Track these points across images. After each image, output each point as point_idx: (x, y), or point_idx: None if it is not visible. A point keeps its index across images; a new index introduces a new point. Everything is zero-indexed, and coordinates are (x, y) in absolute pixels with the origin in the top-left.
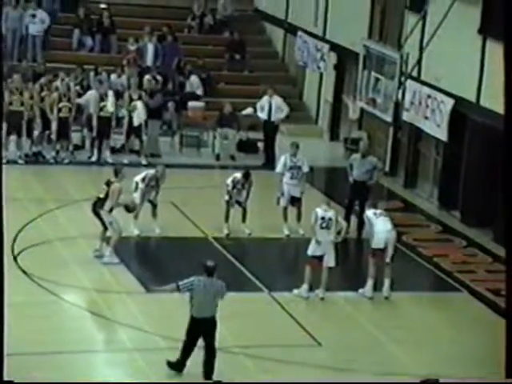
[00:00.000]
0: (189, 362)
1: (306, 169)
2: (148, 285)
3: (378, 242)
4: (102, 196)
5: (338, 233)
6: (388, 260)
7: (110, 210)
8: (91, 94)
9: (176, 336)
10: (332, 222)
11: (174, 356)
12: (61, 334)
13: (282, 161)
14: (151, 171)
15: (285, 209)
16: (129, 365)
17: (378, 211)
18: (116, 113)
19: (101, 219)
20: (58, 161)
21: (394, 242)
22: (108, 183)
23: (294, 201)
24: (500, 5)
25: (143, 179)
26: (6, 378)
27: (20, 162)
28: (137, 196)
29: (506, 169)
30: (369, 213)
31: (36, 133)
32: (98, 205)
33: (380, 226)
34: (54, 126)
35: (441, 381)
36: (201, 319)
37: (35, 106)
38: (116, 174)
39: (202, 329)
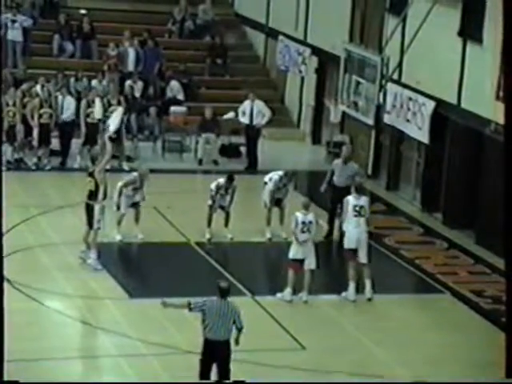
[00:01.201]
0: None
1: (290, 188)
2: (132, 292)
3: (349, 242)
4: (92, 188)
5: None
6: (364, 261)
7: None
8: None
9: (160, 342)
10: (312, 225)
11: (158, 362)
12: (44, 341)
13: (275, 180)
14: (134, 173)
15: (269, 211)
16: (113, 371)
17: (363, 199)
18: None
19: (89, 216)
20: (39, 167)
21: (365, 242)
22: (91, 173)
23: (278, 202)
24: (479, 7)
25: (126, 184)
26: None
27: (1, 168)
28: (121, 201)
29: (508, 177)
30: (350, 198)
31: (18, 139)
32: (92, 198)
33: (352, 225)
34: (35, 132)
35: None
36: (215, 342)
37: (17, 113)
38: (93, 161)
39: (216, 352)
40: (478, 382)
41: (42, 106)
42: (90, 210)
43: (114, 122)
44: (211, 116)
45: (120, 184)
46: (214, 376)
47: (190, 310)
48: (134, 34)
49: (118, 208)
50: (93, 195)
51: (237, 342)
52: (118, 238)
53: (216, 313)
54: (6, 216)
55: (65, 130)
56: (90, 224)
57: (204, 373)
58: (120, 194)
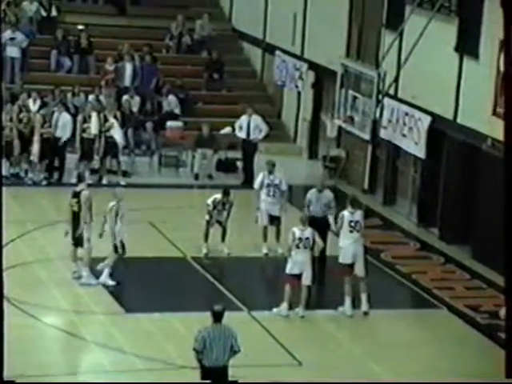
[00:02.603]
0: None
1: (284, 187)
2: (128, 307)
3: (345, 257)
4: (75, 209)
5: (312, 248)
6: (361, 274)
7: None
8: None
9: (155, 357)
10: (309, 241)
11: (153, 377)
12: (39, 357)
13: (259, 178)
14: (111, 203)
15: (264, 228)
16: None
17: (358, 214)
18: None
19: (74, 235)
20: (35, 182)
21: (361, 256)
22: (75, 194)
23: (273, 220)
24: (475, 23)
25: (117, 213)
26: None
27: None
28: (119, 231)
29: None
30: (345, 213)
31: (15, 154)
32: (75, 220)
33: (348, 241)
34: (35, 148)
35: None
36: (212, 368)
37: (14, 128)
38: (80, 180)
39: (213, 378)
40: (479, 382)
41: (45, 122)
42: (75, 230)
43: (118, 135)
44: (208, 133)
45: (116, 229)
46: None
47: (198, 351)
48: (131, 49)
49: (116, 250)
50: (76, 218)
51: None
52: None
53: (213, 340)
54: (3, 231)
55: (58, 146)
56: (76, 242)
57: None
58: (115, 237)
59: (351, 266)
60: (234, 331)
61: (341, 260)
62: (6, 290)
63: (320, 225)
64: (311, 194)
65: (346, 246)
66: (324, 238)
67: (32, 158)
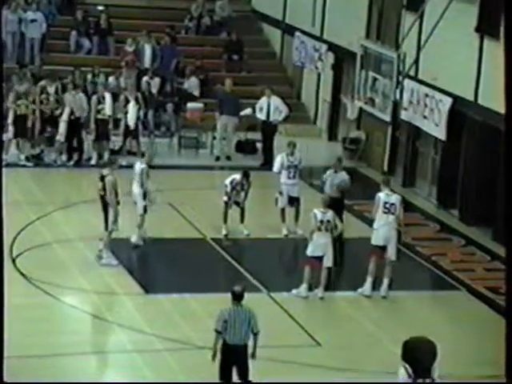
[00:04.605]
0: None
1: (300, 166)
2: (148, 288)
3: (377, 238)
4: (102, 193)
5: (332, 232)
6: (393, 258)
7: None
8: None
9: (175, 337)
10: (330, 223)
11: (173, 358)
12: (60, 337)
13: (278, 160)
14: (142, 165)
15: (283, 209)
16: (128, 366)
17: (394, 197)
18: (114, 115)
19: (106, 217)
20: (56, 163)
21: (394, 240)
22: (102, 177)
23: (293, 201)
24: (496, 3)
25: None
26: (5, 379)
27: (20, 164)
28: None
29: (508, 166)
30: (381, 195)
31: (35, 136)
32: (105, 202)
33: (382, 222)
34: (62, 127)
35: (440, 381)
36: (232, 346)
37: (37, 109)
38: (109, 163)
39: (233, 356)
40: (479, 382)
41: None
42: (105, 212)
43: (131, 119)
44: (231, 88)
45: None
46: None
47: (219, 332)
48: (151, 30)
49: (146, 211)
50: (104, 199)
51: (253, 355)
52: (134, 239)
53: (233, 318)
54: (23, 213)
55: (76, 127)
56: (106, 225)
57: (224, 375)
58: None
59: (382, 248)
60: (253, 312)
61: (372, 241)
62: (28, 271)
63: (335, 205)
64: (328, 174)
65: (379, 227)
66: (340, 218)
67: (58, 137)
